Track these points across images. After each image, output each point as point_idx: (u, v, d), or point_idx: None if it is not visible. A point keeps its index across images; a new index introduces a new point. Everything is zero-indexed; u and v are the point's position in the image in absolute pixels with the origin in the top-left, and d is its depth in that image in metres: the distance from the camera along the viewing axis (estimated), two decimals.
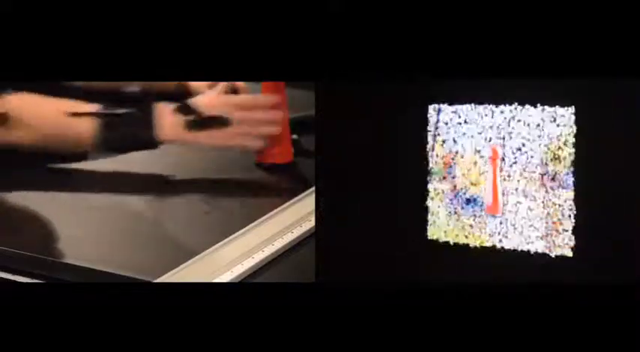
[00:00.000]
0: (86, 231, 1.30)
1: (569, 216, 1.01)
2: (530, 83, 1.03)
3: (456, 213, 1.08)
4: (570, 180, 1.01)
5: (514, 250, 1.04)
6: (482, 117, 1.06)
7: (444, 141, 1.08)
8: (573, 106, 1.00)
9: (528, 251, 1.03)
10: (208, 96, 1.50)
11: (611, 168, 0.99)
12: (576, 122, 1.00)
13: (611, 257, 0.99)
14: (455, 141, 1.08)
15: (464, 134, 1.07)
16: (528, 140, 1.03)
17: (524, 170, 1.03)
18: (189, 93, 1.90)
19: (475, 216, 1.07)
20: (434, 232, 1.09)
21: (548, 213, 1.02)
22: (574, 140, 1.00)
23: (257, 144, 1.47)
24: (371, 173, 1.13)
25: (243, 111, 1.47)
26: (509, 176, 1.04)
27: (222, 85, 1.58)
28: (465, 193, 1.07)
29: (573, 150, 1.00)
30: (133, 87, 1.69)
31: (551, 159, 1.02)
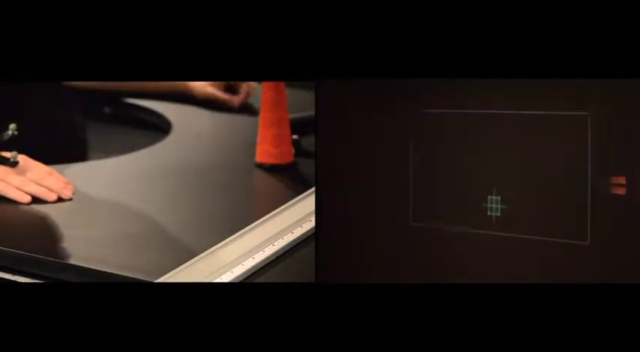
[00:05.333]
0: (88, 232, 1.30)
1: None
2: (530, 86, 1.03)
3: None
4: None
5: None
6: (479, 115, 1.06)
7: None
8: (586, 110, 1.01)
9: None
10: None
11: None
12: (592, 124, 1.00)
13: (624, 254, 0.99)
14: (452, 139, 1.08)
15: (462, 132, 1.07)
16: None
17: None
18: (192, 93, 1.91)
19: None
20: None
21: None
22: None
23: (23, 198, 1.44)
24: (371, 173, 1.13)
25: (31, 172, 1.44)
26: None
27: None
28: None
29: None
30: None
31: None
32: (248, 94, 1.88)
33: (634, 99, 0.98)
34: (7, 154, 1.41)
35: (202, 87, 1.90)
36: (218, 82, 1.90)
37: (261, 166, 1.53)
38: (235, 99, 1.88)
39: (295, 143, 1.56)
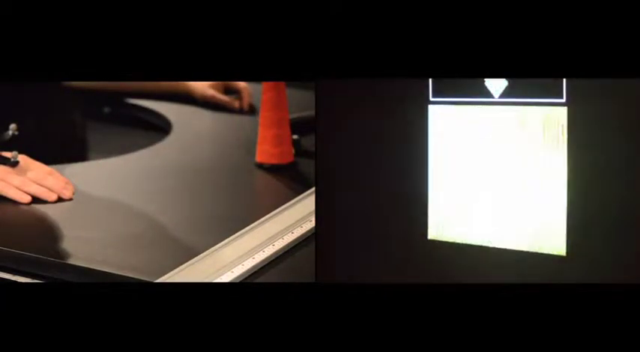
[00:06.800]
0: (88, 232, 1.30)
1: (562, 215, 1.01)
2: (524, 83, 1.03)
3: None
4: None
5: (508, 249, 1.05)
6: (479, 116, 1.06)
7: (442, 140, 1.08)
8: (566, 107, 1.01)
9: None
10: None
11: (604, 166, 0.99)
12: (569, 121, 1.01)
13: (605, 257, 1.00)
14: (453, 140, 1.08)
15: (462, 133, 1.07)
16: (522, 140, 1.03)
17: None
18: (192, 95, 1.91)
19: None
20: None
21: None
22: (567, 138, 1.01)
23: (24, 198, 1.41)
24: (371, 173, 1.13)
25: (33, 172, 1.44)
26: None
27: None
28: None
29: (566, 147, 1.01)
30: None
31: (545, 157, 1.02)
32: (250, 97, 1.88)
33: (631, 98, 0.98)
34: (7, 154, 1.41)
35: (202, 89, 1.90)
36: (218, 85, 1.90)
37: (261, 166, 1.53)
38: (236, 103, 1.88)
39: (295, 143, 1.56)
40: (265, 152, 1.53)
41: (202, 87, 1.90)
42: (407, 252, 1.11)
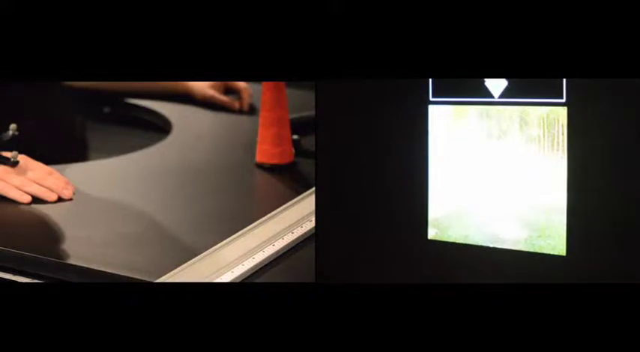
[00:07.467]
0: (88, 232, 1.30)
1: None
2: (524, 83, 1.03)
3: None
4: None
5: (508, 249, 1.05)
6: (479, 116, 1.06)
7: (442, 141, 1.08)
8: (566, 107, 1.01)
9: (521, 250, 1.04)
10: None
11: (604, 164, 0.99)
12: (569, 121, 1.01)
13: (605, 257, 0.99)
14: (453, 140, 1.08)
15: (462, 133, 1.07)
16: (522, 139, 1.03)
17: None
18: (192, 95, 1.91)
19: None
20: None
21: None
22: (567, 138, 1.01)
23: (24, 198, 1.42)
24: (371, 173, 1.13)
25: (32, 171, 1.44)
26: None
27: None
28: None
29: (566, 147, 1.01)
30: None
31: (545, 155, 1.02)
32: (250, 97, 1.88)
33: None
34: (7, 154, 1.41)
35: (202, 89, 1.89)
36: (218, 85, 1.90)
37: (261, 166, 1.53)
38: (236, 103, 1.88)
39: (295, 143, 1.56)
40: (265, 152, 1.53)
41: (202, 87, 1.90)
42: (407, 252, 1.11)
